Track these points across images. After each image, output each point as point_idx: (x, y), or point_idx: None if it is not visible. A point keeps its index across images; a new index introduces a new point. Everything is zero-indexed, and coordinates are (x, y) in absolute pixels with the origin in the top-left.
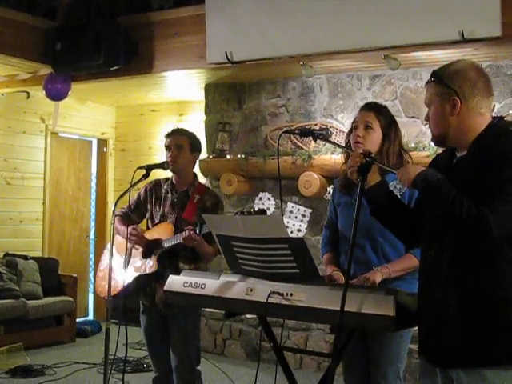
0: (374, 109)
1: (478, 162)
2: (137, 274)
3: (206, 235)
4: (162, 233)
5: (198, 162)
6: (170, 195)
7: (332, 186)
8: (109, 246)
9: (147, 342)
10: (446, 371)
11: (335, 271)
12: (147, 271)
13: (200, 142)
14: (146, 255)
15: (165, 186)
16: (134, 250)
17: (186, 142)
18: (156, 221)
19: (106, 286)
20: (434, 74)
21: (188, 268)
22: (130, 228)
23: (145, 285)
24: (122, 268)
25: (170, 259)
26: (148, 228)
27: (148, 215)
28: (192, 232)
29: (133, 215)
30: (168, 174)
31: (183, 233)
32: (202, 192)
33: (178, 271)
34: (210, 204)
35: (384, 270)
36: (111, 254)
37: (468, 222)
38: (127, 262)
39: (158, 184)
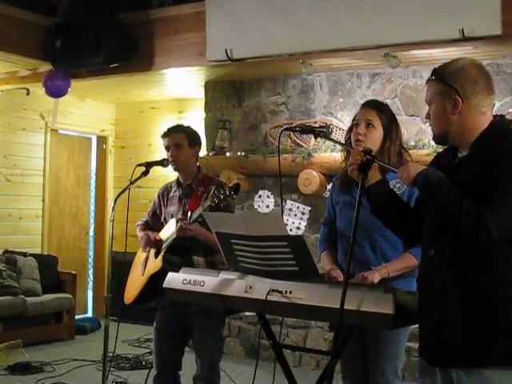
0: (376, 106)
1: (479, 163)
2: (148, 276)
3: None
4: (168, 231)
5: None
6: (177, 193)
7: (331, 184)
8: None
9: (156, 338)
10: (445, 371)
11: (334, 269)
12: (155, 271)
13: (198, 135)
14: (156, 256)
15: (173, 186)
16: (150, 255)
17: (184, 139)
18: (168, 221)
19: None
20: (435, 72)
21: (203, 261)
22: (139, 234)
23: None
24: (140, 275)
25: (183, 254)
26: None
27: (162, 218)
28: (183, 222)
29: (152, 222)
30: (168, 171)
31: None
32: (206, 183)
33: (192, 266)
34: None
35: (382, 270)
36: (110, 251)
37: (468, 223)
38: (144, 267)
39: (168, 187)
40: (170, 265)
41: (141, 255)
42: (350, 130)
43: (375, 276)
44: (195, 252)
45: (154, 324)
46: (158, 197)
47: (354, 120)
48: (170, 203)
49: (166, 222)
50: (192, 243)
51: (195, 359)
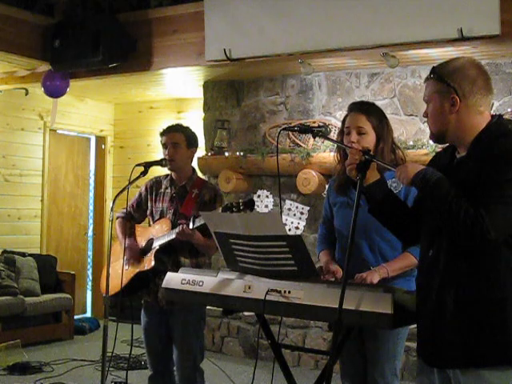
0: (364, 110)
1: (477, 163)
2: (136, 271)
3: (203, 228)
4: (160, 229)
5: (196, 159)
6: (169, 191)
7: (328, 185)
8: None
9: (146, 339)
10: (443, 371)
11: (331, 262)
12: (145, 268)
13: (196, 136)
14: (143, 254)
15: (164, 182)
16: None
17: (182, 139)
18: (156, 217)
19: (105, 284)
20: (434, 70)
21: (189, 262)
22: (127, 243)
23: (147, 282)
24: (122, 268)
25: (170, 254)
26: (149, 225)
27: (148, 212)
28: (185, 226)
29: (135, 214)
30: (167, 170)
31: (177, 228)
32: (200, 186)
33: (178, 266)
34: (208, 198)
35: (382, 270)
36: (109, 251)
37: (465, 223)
38: (127, 263)
39: (158, 181)
40: (160, 264)
41: (118, 247)
42: (341, 132)
43: (374, 276)
44: (181, 253)
45: (142, 325)
46: (146, 189)
47: (343, 123)
48: (159, 199)
49: (152, 216)
50: (179, 244)
51: (176, 358)
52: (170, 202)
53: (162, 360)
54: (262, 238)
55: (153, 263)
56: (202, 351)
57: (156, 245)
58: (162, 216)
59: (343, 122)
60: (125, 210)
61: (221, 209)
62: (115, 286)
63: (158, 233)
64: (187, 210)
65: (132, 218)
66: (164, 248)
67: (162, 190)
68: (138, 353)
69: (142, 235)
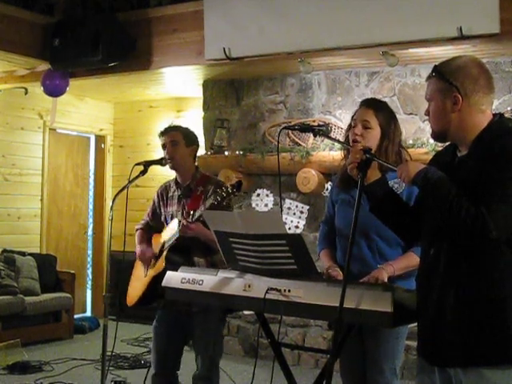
0: (373, 106)
1: (478, 162)
2: (151, 276)
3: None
4: (170, 231)
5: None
6: (176, 193)
7: (330, 183)
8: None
9: (155, 338)
10: (444, 370)
11: (332, 267)
12: (158, 271)
13: (195, 135)
14: (158, 256)
15: (172, 186)
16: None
17: (180, 137)
18: (169, 221)
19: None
20: (436, 69)
21: (203, 262)
22: (138, 251)
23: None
24: (143, 276)
25: (184, 255)
26: None
27: (162, 218)
28: (184, 221)
29: (152, 223)
30: (166, 170)
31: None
32: (204, 183)
33: (193, 266)
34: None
35: (389, 268)
36: (109, 251)
37: (465, 222)
38: (146, 268)
39: (167, 186)
40: (172, 265)
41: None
42: (349, 128)
43: (383, 274)
44: (195, 253)
45: (154, 323)
46: (158, 196)
47: (352, 118)
48: (170, 203)
49: (166, 222)
50: (191, 244)
51: (195, 358)
52: (177, 203)
53: (168, 360)
54: (262, 237)
55: (163, 265)
56: (220, 350)
57: (166, 246)
58: (173, 219)
59: (353, 116)
60: (143, 221)
61: (212, 197)
62: (136, 295)
63: (167, 235)
64: (194, 208)
65: (151, 228)
66: (177, 249)
67: (171, 194)
68: (138, 352)
69: (157, 242)
